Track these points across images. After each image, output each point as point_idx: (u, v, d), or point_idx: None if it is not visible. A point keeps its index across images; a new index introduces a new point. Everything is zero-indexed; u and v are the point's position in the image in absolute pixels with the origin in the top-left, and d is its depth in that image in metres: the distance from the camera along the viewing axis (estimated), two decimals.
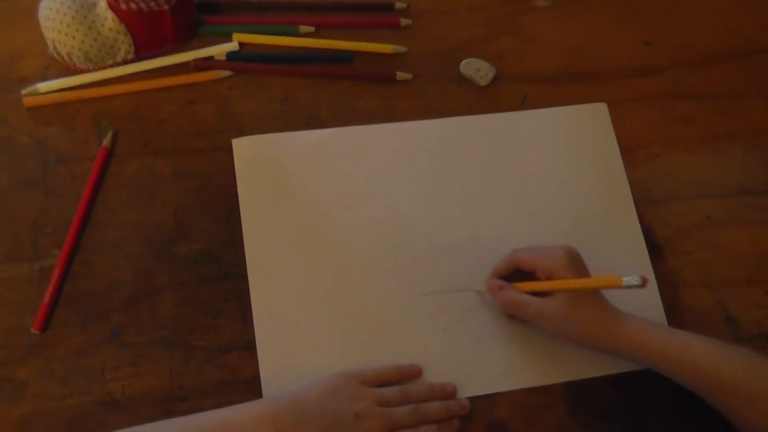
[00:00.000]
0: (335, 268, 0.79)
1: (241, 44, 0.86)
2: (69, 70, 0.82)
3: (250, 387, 0.73)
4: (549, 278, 0.73)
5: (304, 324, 0.76)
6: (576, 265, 0.73)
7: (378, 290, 0.78)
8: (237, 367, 0.74)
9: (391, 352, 0.76)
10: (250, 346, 0.75)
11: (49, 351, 0.72)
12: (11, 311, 0.73)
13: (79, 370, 0.72)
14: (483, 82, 0.89)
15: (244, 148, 0.81)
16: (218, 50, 0.85)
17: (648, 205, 0.86)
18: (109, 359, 0.73)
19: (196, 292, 0.76)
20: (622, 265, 0.83)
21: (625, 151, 0.88)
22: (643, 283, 0.64)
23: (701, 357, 0.71)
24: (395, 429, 0.71)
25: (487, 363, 0.77)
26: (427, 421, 0.72)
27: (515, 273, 0.77)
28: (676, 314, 0.81)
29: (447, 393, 0.75)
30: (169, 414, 0.71)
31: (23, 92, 0.80)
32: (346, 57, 0.88)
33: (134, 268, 0.76)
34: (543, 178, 0.86)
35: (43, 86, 0.80)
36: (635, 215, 0.85)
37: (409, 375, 0.76)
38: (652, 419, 0.76)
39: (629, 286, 0.65)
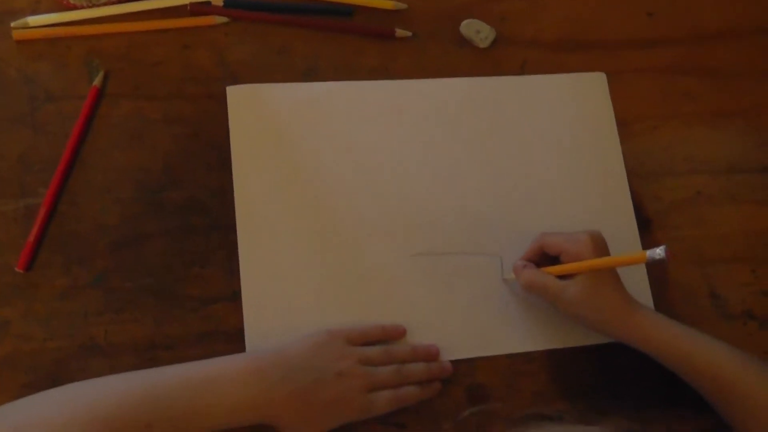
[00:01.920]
0: (325, 224, 0.78)
1: None
2: (61, 5, 0.79)
3: (233, 338, 0.73)
4: (574, 261, 0.73)
5: (290, 278, 0.75)
6: (600, 249, 0.73)
7: (367, 248, 0.78)
8: (221, 318, 0.74)
9: (377, 311, 0.76)
10: (235, 298, 0.74)
11: (32, 291, 0.71)
12: None
13: (62, 313, 0.71)
14: (483, 45, 0.88)
15: (239, 97, 0.80)
16: None
17: (640, 179, 0.86)
18: (92, 303, 0.72)
19: (183, 240, 0.75)
20: (610, 236, 0.82)
21: (622, 124, 0.87)
22: (667, 255, 0.65)
23: (714, 362, 0.71)
24: (377, 388, 0.71)
25: (471, 327, 0.77)
26: (410, 382, 0.73)
27: (545, 258, 0.77)
28: (661, 289, 0.82)
29: (430, 355, 0.75)
30: (152, 362, 0.71)
31: (12, 25, 0.77)
32: (346, 11, 0.86)
33: (121, 213, 0.75)
34: (538, 144, 0.85)
35: (33, 20, 0.78)
36: (627, 187, 0.85)
37: (393, 335, 0.76)
38: (634, 390, 0.77)
39: (654, 260, 0.66)
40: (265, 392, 0.66)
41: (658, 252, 0.65)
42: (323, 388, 0.68)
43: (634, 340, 0.73)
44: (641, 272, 0.82)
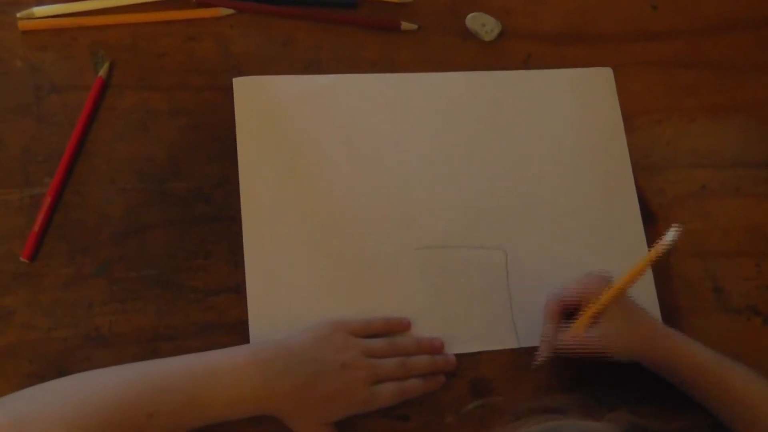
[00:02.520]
0: (330, 216, 0.78)
1: None
2: None
3: (236, 330, 0.73)
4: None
5: (295, 270, 0.75)
6: (612, 279, 0.72)
7: (372, 241, 0.78)
8: (225, 310, 0.74)
9: (381, 303, 0.76)
10: (238, 289, 0.74)
11: (36, 281, 0.71)
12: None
13: (66, 303, 0.71)
14: (488, 38, 0.88)
15: (245, 88, 0.80)
16: None
17: (645, 172, 0.86)
18: (97, 293, 0.72)
19: (186, 231, 0.75)
20: (615, 229, 0.83)
21: (626, 117, 0.87)
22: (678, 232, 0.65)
23: (749, 389, 0.70)
24: (381, 380, 0.71)
25: (475, 321, 0.78)
26: (413, 374, 0.73)
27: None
28: (665, 283, 0.82)
29: (434, 348, 0.75)
30: (155, 353, 0.71)
31: (18, 15, 0.78)
32: (350, 3, 0.86)
33: (125, 203, 0.75)
34: (543, 138, 0.85)
35: (39, 10, 0.78)
36: (632, 182, 0.85)
37: (397, 328, 0.76)
38: (636, 385, 0.77)
39: (671, 243, 0.67)
40: (267, 384, 0.66)
41: (670, 235, 0.66)
42: (326, 380, 0.68)
43: (665, 365, 0.72)
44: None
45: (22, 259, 0.71)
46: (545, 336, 0.75)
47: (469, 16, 0.88)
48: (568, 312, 0.74)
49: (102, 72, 0.78)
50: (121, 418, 0.61)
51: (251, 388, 0.65)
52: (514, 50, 0.88)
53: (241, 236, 0.75)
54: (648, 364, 0.73)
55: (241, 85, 0.80)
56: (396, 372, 0.71)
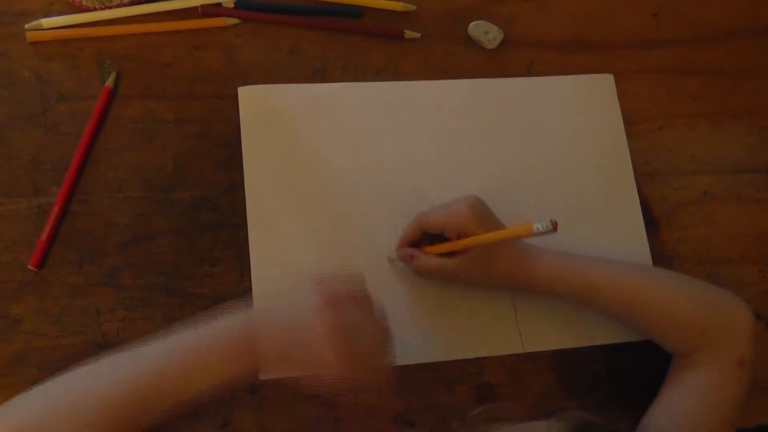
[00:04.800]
0: (335, 223, 0.78)
1: None
2: (73, 7, 0.80)
3: None
4: (458, 236, 0.73)
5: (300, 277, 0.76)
6: (483, 216, 0.74)
7: (377, 246, 0.78)
8: None
9: (387, 308, 0.75)
10: (244, 297, 0.74)
11: (44, 289, 0.72)
12: (7, 246, 0.73)
13: (73, 310, 0.72)
14: (491, 46, 0.88)
15: (250, 97, 0.81)
16: None
17: (647, 179, 0.87)
18: (104, 301, 0.73)
19: (193, 239, 0.76)
20: (618, 236, 0.83)
21: (628, 123, 0.88)
22: (554, 227, 0.65)
23: (623, 284, 0.74)
24: None
25: (479, 327, 0.78)
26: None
27: (425, 236, 0.76)
28: None
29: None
30: None
31: (26, 26, 0.78)
32: (355, 12, 0.87)
33: (132, 211, 0.76)
34: (546, 145, 0.86)
35: (46, 21, 0.79)
36: (635, 188, 0.85)
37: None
38: (638, 389, 0.77)
39: (540, 233, 0.65)
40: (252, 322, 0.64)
41: (545, 225, 0.65)
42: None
43: (541, 287, 0.75)
44: None
45: (29, 267, 0.72)
46: (400, 255, 0.76)
47: (472, 24, 0.89)
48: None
49: (109, 82, 0.78)
50: (117, 408, 0.61)
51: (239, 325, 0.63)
52: (517, 58, 0.89)
53: (248, 243, 0.76)
54: (526, 289, 0.76)
55: (246, 94, 0.81)
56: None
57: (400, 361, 0.75)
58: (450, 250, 0.73)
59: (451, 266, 0.73)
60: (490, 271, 0.74)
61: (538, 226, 0.65)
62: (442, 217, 0.74)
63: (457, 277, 0.74)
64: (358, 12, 0.87)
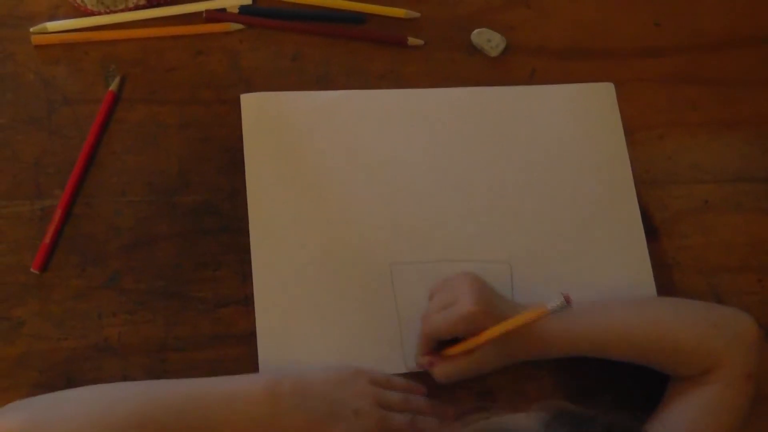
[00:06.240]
0: (337, 229, 0.79)
1: None
2: (79, 11, 0.81)
3: (244, 342, 0.74)
4: (472, 335, 0.72)
5: (303, 282, 0.76)
6: (490, 305, 0.72)
7: (378, 253, 0.79)
8: (233, 322, 0.74)
9: (388, 315, 0.77)
10: (246, 301, 0.75)
11: (46, 291, 0.72)
12: (10, 248, 0.73)
13: (75, 313, 0.72)
14: (493, 53, 0.89)
15: (253, 104, 0.81)
16: (231, 2, 0.84)
17: (647, 187, 0.87)
18: (106, 304, 0.73)
19: (195, 243, 0.76)
20: (617, 244, 0.83)
21: (628, 132, 0.88)
22: (567, 301, 0.64)
23: (628, 324, 0.75)
24: None
25: None
26: None
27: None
28: (668, 296, 0.82)
29: (446, 415, 0.74)
30: (163, 363, 0.72)
31: (32, 30, 0.79)
32: (358, 18, 0.87)
33: (135, 215, 0.76)
34: (546, 153, 0.86)
35: (52, 25, 0.79)
36: (634, 196, 0.85)
37: (415, 391, 0.74)
38: (640, 396, 0.77)
39: (555, 310, 0.65)
40: (279, 417, 0.66)
41: (558, 301, 0.65)
42: (337, 423, 0.67)
43: (556, 353, 0.75)
44: (649, 281, 0.82)
45: (32, 270, 0.72)
46: (420, 364, 0.75)
47: (475, 31, 0.89)
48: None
49: (113, 86, 0.79)
50: None
51: (262, 418, 0.65)
52: (519, 65, 0.89)
53: (250, 248, 0.76)
54: (544, 356, 0.76)
55: (249, 101, 0.81)
56: (405, 428, 0.70)
57: (400, 369, 0.75)
58: (465, 350, 0.72)
59: (474, 366, 0.73)
60: (508, 353, 0.74)
61: (552, 305, 0.65)
62: (451, 325, 0.72)
63: (480, 371, 0.74)
64: (361, 18, 0.87)
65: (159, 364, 0.72)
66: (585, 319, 0.75)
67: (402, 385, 0.74)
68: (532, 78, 0.89)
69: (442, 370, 0.74)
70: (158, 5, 0.82)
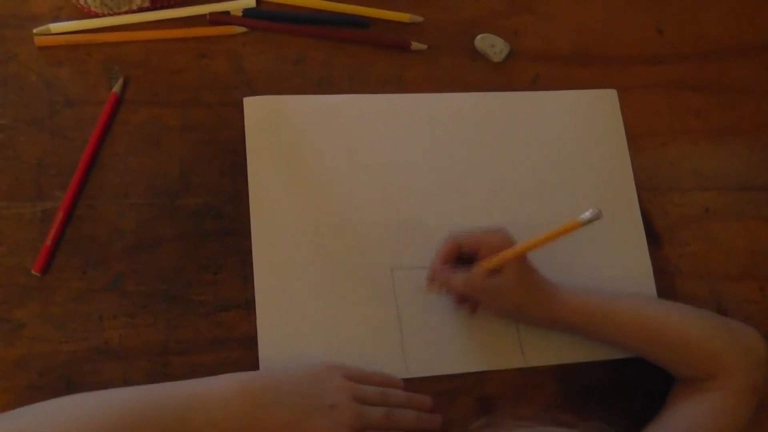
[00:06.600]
0: (339, 233, 0.79)
1: (257, 1, 0.85)
2: (82, 13, 0.80)
3: (245, 345, 0.74)
4: (496, 252, 0.72)
5: (304, 286, 0.76)
6: (511, 237, 0.74)
7: (380, 258, 0.79)
8: (234, 325, 0.74)
9: (389, 319, 0.77)
10: (248, 305, 0.75)
11: (47, 294, 0.72)
12: (11, 250, 0.72)
13: (76, 316, 0.72)
14: (496, 59, 0.89)
15: (255, 108, 0.81)
16: (234, 5, 0.84)
17: (649, 194, 0.87)
18: (107, 307, 0.72)
19: (197, 246, 0.76)
20: (620, 251, 0.84)
21: (630, 138, 0.88)
22: (599, 214, 0.66)
23: (641, 313, 0.76)
24: (365, 428, 0.70)
25: (480, 340, 0.78)
26: (398, 428, 0.72)
27: (457, 260, 0.76)
28: None
29: (423, 405, 0.75)
30: (165, 367, 0.72)
31: (35, 31, 0.78)
32: (362, 22, 0.87)
33: (137, 217, 0.76)
34: (548, 159, 0.86)
35: (55, 26, 0.79)
36: (637, 203, 0.86)
37: (391, 385, 0.75)
38: (641, 404, 0.78)
39: (587, 221, 0.66)
40: (255, 414, 0.66)
41: (592, 212, 0.66)
42: (312, 417, 0.67)
43: (561, 316, 0.75)
44: (650, 287, 0.83)
45: (33, 272, 0.72)
46: (434, 271, 0.76)
47: (478, 36, 0.89)
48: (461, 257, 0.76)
49: (116, 87, 0.78)
50: None
51: (239, 418, 0.65)
52: (522, 71, 0.89)
53: (251, 252, 0.76)
54: (549, 318, 0.76)
55: (252, 104, 0.81)
56: (382, 421, 0.70)
57: (402, 374, 0.75)
58: (504, 261, 0.72)
59: (492, 283, 0.73)
60: (522, 293, 0.74)
61: (584, 217, 0.66)
62: (478, 236, 0.74)
63: (496, 297, 0.74)
64: (365, 22, 0.87)
65: (160, 368, 0.72)
66: (602, 296, 0.76)
67: (378, 379, 0.74)
68: (534, 84, 0.89)
69: (464, 279, 0.74)
70: (162, 7, 0.82)
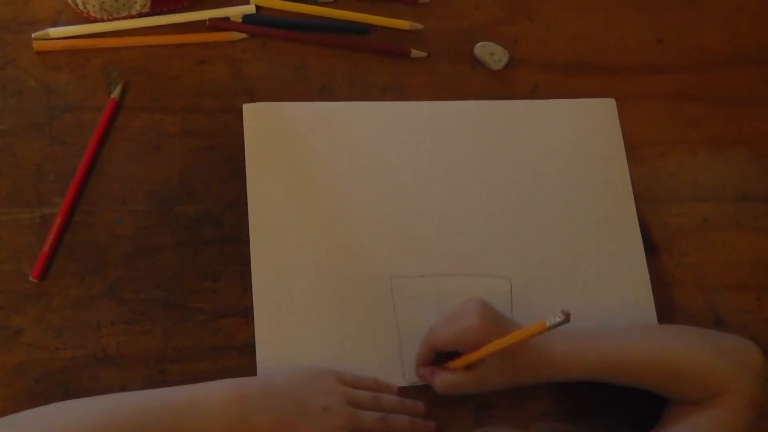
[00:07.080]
0: (338, 241, 0.79)
1: (258, 7, 0.85)
2: (82, 18, 0.80)
3: (244, 353, 0.73)
4: (473, 350, 0.71)
5: (303, 294, 0.76)
6: (494, 324, 0.72)
7: (378, 266, 0.78)
8: (232, 333, 0.74)
9: (387, 327, 0.77)
10: (246, 313, 0.75)
11: (45, 300, 0.72)
12: (9, 256, 0.72)
13: (74, 322, 0.72)
14: (496, 67, 0.89)
15: (255, 115, 0.81)
16: (234, 11, 0.84)
17: (647, 204, 0.87)
18: (105, 314, 0.72)
19: (196, 253, 0.76)
20: (618, 261, 0.83)
21: (629, 148, 0.88)
22: (567, 317, 0.64)
23: (633, 351, 0.74)
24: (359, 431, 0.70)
25: None
26: None
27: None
28: (667, 313, 0.83)
29: (417, 410, 0.74)
30: (162, 374, 0.72)
31: (33, 35, 0.78)
32: (362, 29, 0.87)
33: (136, 224, 0.75)
34: (546, 169, 0.86)
35: (54, 31, 0.79)
36: (635, 213, 0.86)
37: (385, 390, 0.75)
38: (640, 412, 0.77)
39: (553, 326, 0.65)
40: (249, 418, 0.65)
41: (558, 316, 0.64)
42: (306, 421, 0.67)
43: (559, 376, 0.74)
44: (648, 297, 0.83)
45: (31, 278, 0.72)
46: (420, 375, 0.75)
47: (478, 44, 0.89)
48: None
49: (115, 93, 0.78)
50: None
51: (230, 423, 0.65)
52: (522, 79, 0.89)
53: (250, 259, 0.76)
54: (552, 380, 0.75)
55: (251, 111, 0.81)
56: (375, 426, 0.70)
57: (399, 382, 0.75)
58: (467, 363, 0.72)
59: (474, 380, 0.72)
60: (513, 373, 0.73)
61: (550, 320, 0.64)
62: (453, 336, 0.73)
63: (481, 387, 0.73)
64: (365, 29, 0.87)
65: (158, 375, 0.71)
66: (593, 342, 0.75)
67: (371, 383, 0.74)
68: (534, 92, 0.89)
69: (442, 380, 0.73)
70: (162, 13, 0.82)
